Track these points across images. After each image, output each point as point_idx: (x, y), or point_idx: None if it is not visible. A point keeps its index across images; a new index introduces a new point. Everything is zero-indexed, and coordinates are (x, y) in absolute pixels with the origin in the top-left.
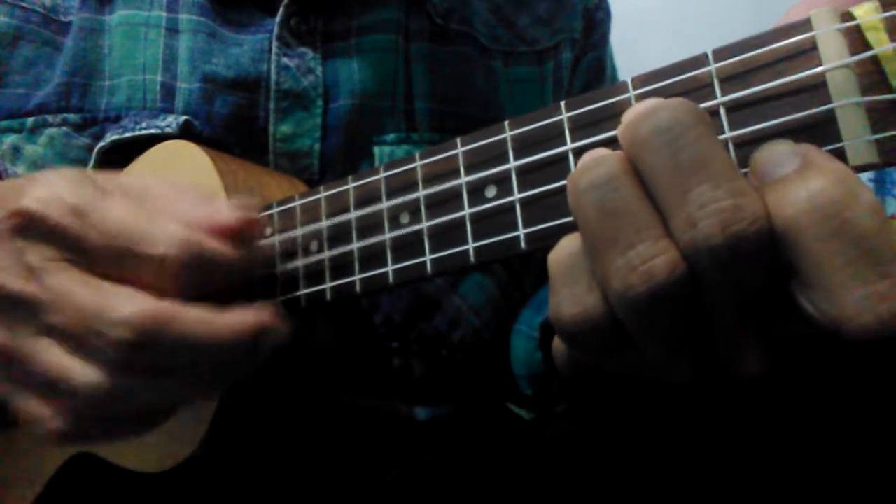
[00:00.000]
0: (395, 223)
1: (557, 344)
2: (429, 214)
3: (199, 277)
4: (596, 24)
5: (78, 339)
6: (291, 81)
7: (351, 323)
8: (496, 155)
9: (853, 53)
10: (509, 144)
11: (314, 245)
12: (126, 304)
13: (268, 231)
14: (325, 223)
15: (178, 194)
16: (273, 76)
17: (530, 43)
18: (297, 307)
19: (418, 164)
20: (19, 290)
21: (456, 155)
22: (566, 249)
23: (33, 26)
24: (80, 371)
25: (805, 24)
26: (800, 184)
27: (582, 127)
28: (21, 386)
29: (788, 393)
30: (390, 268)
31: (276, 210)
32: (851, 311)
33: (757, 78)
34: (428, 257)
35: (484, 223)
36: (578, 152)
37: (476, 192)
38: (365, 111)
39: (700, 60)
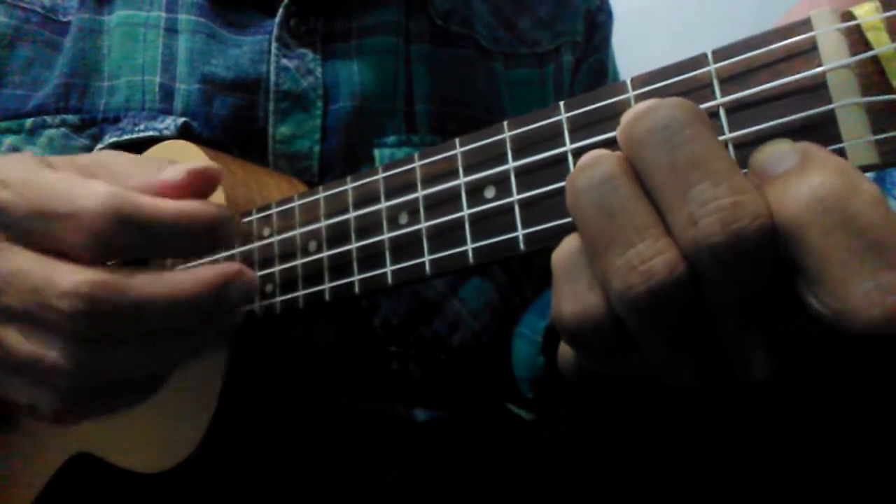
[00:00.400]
0: (394, 224)
1: (563, 349)
2: (427, 215)
3: (135, 239)
4: (598, 26)
5: (33, 317)
6: (291, 82)
7: (350, 325)
8: (495, 155)
9: (853, 53)
10: (508, 145)
11: (313, 245)
12: (69, 275)
13: (266, 231)
14: (323, 223)
15: (130, 162)
16: (272, 77)
17: (531, 45)
18: (295, 308)
19: (417, 164)
20: None
21: (455, 155)
22: (569, 248)
23: (33, 26)
24: (45, 350)
25: (805, 24)
26: (800, 179)
27: (581, 127)
28: (5, 373)
29: (792, 397)
30: (389, 268)
31: (274, 210)
32: (859, 305)
33: (757, 78)
34: (427, 258)
35: (483, 224)
36: (578, 153)
37: (475, 192)
38: (365, 113)
39: (700, 61)
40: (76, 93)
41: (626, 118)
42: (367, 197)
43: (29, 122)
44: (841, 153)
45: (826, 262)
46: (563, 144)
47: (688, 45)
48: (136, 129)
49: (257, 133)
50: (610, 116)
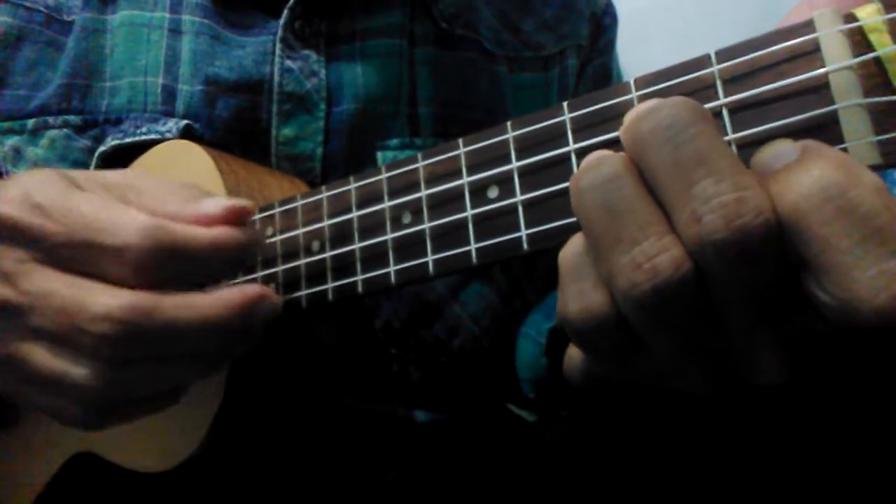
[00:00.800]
0: (397, 223)
1: (570, 355)
2: (431, 215)
3: (170, 269)
4: (603, 29)
5: (63, 338)
6: (294, 84)
7: (351, 327)
8: (498, 155)
9: (856, 55)
10: (512, 145)
11: (316, 245)
12: (103, 299)
13: (269, 231)
14: (326, 223)
15: (161, 188)
16: (276, 78)
17: (535, 48)
18: (298, 307)
19: (420, 164)
20: None
21: (458, 155)
22: (575, 247)
23: (36, 26)
24: (72, 369)
25: (808, 26)
26: (801, 171)
27: (584, 128)
28: (28, 386)
29: (796, 400)
30: (392, 268)
31: (277, 210)
32: (865, 293)
33: (760, 79)
34: (430, 258)
35: (486, 224)
36: (581, 153)
37: (478, 192)
38: (368, 116)
39: (703, 62)
40: (78, 93)
41: (629, 117)
42: (370, 197)
43: (31, 122)
44: None
45: (829, 252)
46: (567, 144)
47: (690, 46)
48: (138, 131)
49: (260, 134)
50: (613, 117)
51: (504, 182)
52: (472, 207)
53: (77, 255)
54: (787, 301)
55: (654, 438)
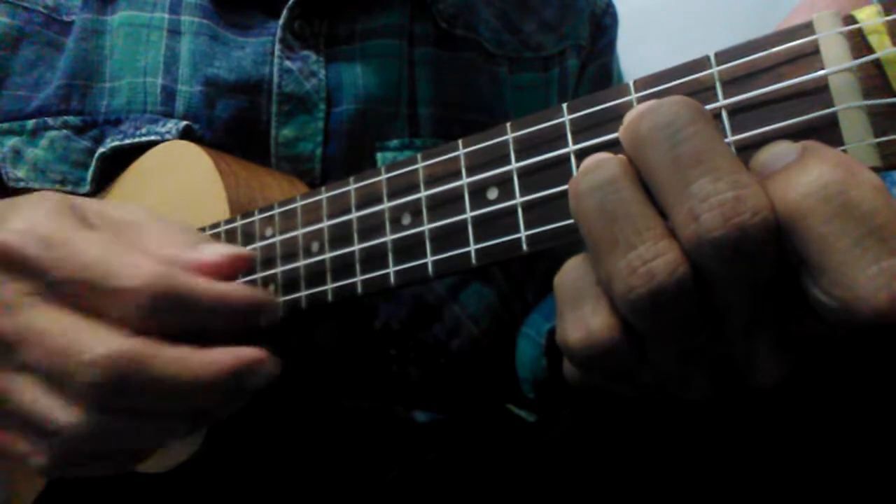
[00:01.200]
0: (397, 224)
1: (569, 365)
2: (430, 216)
3: (175, 315)
4: (603, 29)
5: (54, 377)
6: (294, 85)
7: (351, 328)
8: (498, 157)
9: (855, 57)
10: (511, 146)
11: (315, 246)
12: (97, 344)
13: (269, 231)
14: (326, 224)
15: (164, 230)
16: (275, 79)
17: (536, 49)
18: (297, 308)
19: (420, 165)
20: None
21: (458, 157)
22: (571, 272)
23: (35, 27)
24: (58, 411)
25: (807, 28)
26: (800, 171)
27: (584, 129)
28: (3, 420)
29: (795, 401)
30: (392, 269)
31: (277, 211)
32: (865, 291)
33: (759, 81)
34: (429, 259)
35: (486, 225)
36: (580, 154)
37: (478, 193)
38: (368, 116)
39: (702, 63)
40: (78, 94)
41: (629, 117)
42: (369, 197)
43: (31, 123)
44: None
45: (829, 251)
46: (566, 146)
47: (689, 47)
48: (138, 132)
49: (259, 135)
50: (613, 118)
51: (503, 183)
52: (472, 209)
53: (80, 294)
54: (785, 302)
55: (655, 438)
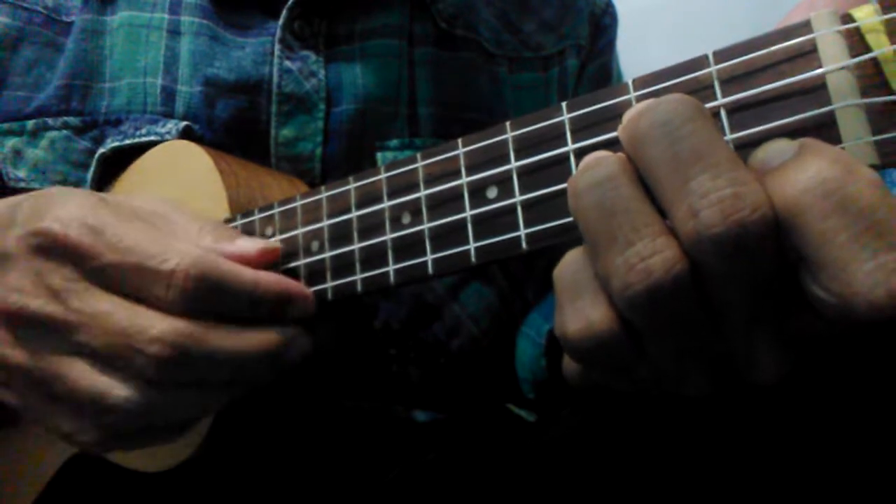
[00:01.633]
0: (397, 223)
1: (569, 362)
2: (430, 215)
3: (215, 299)
4: (602, 29)
5: (109, 357)
6: (293, 85)
7: (350, 327)
8: (497, 156)
9: (853, 55)
10: (510, 145)
11: (315, 245)
12: (161, 322)
13: (269, 231)
14: (326, 223)
15: (190, 219)
16: (275, 79)
17: (535, 49)
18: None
19: (420, 164)
20: (43, 311)
21: (457, 156)
22: (570, 264)
23: (35, 27)
24: (115, 388)
25: (805, 26)
26: (798, 167)
27: (583, 128)
28: (48, 403)
29: (795, 399)
30: (391, 268)
31: (277, 210)
32: (862, 287)
33: (758, 79)
34: (429, 257)
35: (485, 224)
36: (579, 153)
37: (477, 192)
38: (368, 116)
39: (701, 62)
40: (78, 94)
41: (628, 115)
42: (369, 197)
43: (31, 123)
44: None
45: (827, 246)
46: (565, 145)
47: (688, 46)
48: (138, 133)
49: (259, 135)
50: (612, 117)
51: (503, 182)
52: (471, 207)
53: (127, 280)
54: (784, 298)
55: (654, 438)
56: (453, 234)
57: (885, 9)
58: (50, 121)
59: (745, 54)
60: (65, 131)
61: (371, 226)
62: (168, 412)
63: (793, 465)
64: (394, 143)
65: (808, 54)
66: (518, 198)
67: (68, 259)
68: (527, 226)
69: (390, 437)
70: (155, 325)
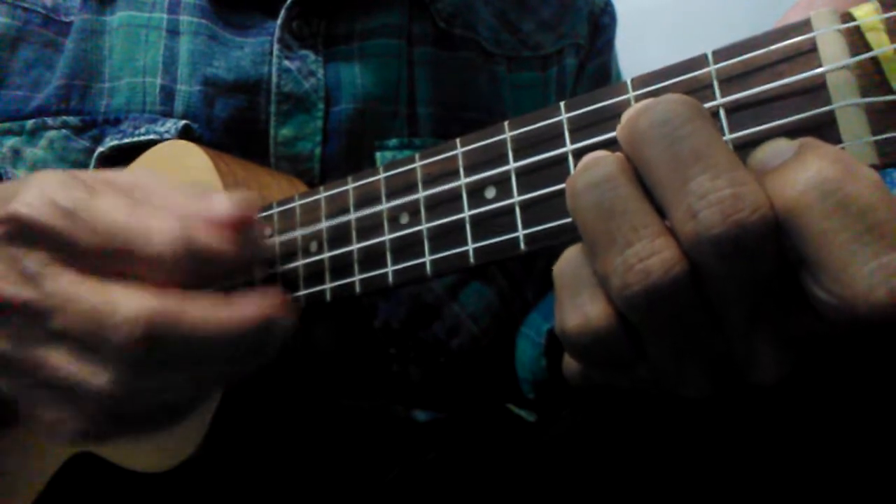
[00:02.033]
0: (395, 224)
1: (569, 360)
2: (428, 215)
3: (196, 271)
4: (601, 28)
5: (86, 341)
6: (292, 84)
7: (350, 327)
8: (496, 156)
9: (853, 54)
10: (509, 145)
11: (314, 245)
12: (131, 302)
13: (267, 231)
14: (324, 224)
15: (170, 189)
16: (274, 79)
17: (534, 48)
18: (296, 308)
19: (418, 164)
20: (19, 297)
21: (455, 156)
22: (569, 261)
23: (34, 27)
24: (93, 373)
25: (805, 25)
26: (798, 167)
27: (581, 128)
28: (31, 393)
29: (795, 399)
30: (390, 268)
31: (275, 210)
32: (863, 287)
33: (757, 79)
34: (427, 258)
35: (483, 224)
36: (578, 153)
37: (475, 193)
38: (367, 116)
39: (700, 61)
40: (77, 94)
41: (626, 115)
42: (368, 197)
43: (30, 123)
44: None
45: (827, 247)
46: (564, 145)
47: (687, 45)
48: (137, 132)
49: (259, 135)
50: (610, 117)
51: (501, 182)
52: (470, 208)
53: (102, 259)
54: (784, 299)
55: (654, 438)
56: (452, 234)
57: (886, 7)
58: (49, 120)
59: (745, 53)
60: (64, 131)
61: (369, 226)
62: (159, 395)
63: (793, 465)
64: (393, 142)
65: (808, 53)
66: (516, 198)
67: (41, 243)
68: (525, 226)
69: (390, 436)
70: (126, 305)
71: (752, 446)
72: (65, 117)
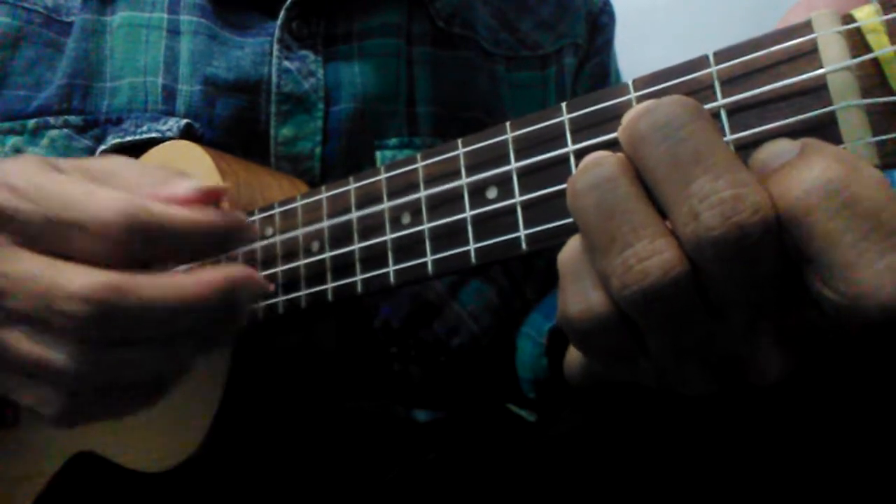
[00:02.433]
0: (397, 224)
1: (570, 356)
2: (430, 215)
3: (150, 246)
4: (599, 28)
5: (40, 321)
6: (292, 84)
7: (351, 327)
8: (497, 156)
9: (854, 56)
10: (510, 146)
11: (315, 245)
12: (78, 278)
13: (269, 231)
14: (326, 223)
15: (138, 170)
16: (274, 79)
17: (533, 47)
18: (298, 307)
19: (419, 164)
20: None
21: (457, 156)
22: (573, 249)
23: (35, 27)
24: (52, 353)
25: (806, 27)
26: (802, 167)
27: (583, 128)
28: (10, 374)
29: (796, 399)
30: (391, 268)
31: (277, 210)
32: (870, 286)
33: (758, 80)
34: (429, 258)
35: (485, 224)
36: (579, 154)
37: (477, 193)
38: (367, 115)
39: (701, 62)
40: (79, 94)
41: (627, 117)
42: (369, 197)
43: (32, 122)
44: None
45: (834, 247)
46: (565, 145)
47: (688, 46)
48: (139, 130)
49: (259, 135)
50: (612, 118)
51: (503, 183)
52: (471, 208)
53: (52, 234)
54: (786, 298)
55: (655, 438)
56: (453, 234)
57: (886, 9)
58: (51, 120)
59: (746, 55)
60: (66, 130)
61: (371, 226)
62: (125, 370)
63: (793, 464)
64: (393, 141)
65: (809, 54)
66: (518, 198)
67: None
68: (527, 226)
69: (390, 436)
70: (74, 281)
71: (753, 446)
72: (67, 116)
